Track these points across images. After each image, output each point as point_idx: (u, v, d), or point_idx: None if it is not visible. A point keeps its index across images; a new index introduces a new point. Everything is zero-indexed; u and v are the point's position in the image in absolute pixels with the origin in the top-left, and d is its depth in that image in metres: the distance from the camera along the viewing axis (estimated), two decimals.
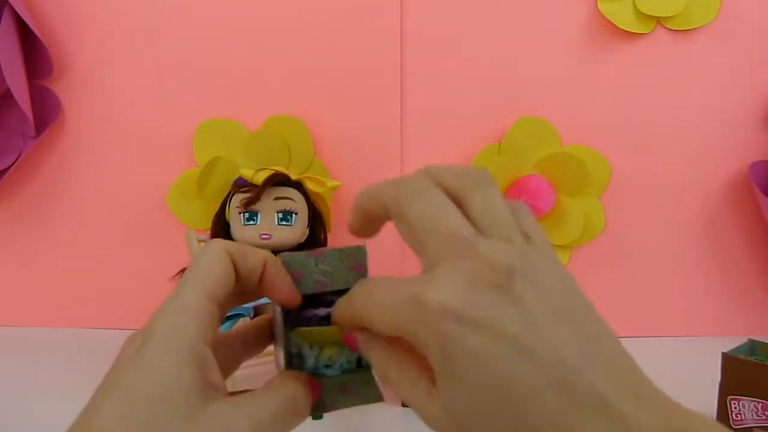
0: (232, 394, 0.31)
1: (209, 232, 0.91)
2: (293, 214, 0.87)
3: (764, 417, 0.69)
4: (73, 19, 1.00)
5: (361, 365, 0.36)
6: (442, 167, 0.31)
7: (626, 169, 1.00)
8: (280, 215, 0.87)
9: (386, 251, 0.79)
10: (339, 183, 0.97)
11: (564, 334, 0.27)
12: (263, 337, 0.37)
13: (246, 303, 0.36)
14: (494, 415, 0.26)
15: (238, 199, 0.88)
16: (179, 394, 0.28)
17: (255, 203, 0.86)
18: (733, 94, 1.00)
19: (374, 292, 0.31)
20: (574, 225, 0.98)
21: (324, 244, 0.92)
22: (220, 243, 0.33)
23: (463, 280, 0.27)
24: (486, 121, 0.99)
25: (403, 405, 0.78)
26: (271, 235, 0.86)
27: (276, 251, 0.90)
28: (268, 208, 0.87)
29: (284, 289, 0.34)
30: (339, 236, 0.96)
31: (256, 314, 0.79)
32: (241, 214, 0.87)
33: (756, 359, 0.68)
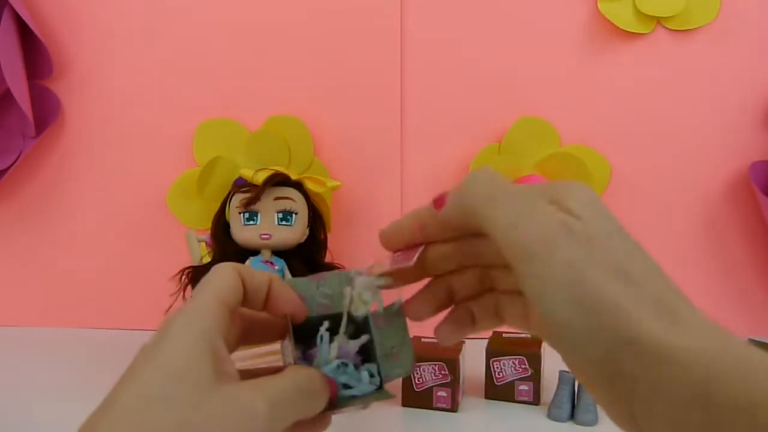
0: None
1: (209, 232, 0.91)
2: (293, 214, 0.87)
3: None
4: (73, 19, 1.00)
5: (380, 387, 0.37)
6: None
7: (626, 169, 1.00)
8: (280, 215, 0.87)
9: None
10: (339, 183, 0.97)
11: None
12: (270, 333, 0.38)
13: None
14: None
15: (238, 199, 0.88)
16: (195, 375, 0.30)
17: (255, 203, 0.86)
18: (733, 94, 1.00)
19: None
20: None
21: (324, 244, 0.92)
22: (227, 263, 0.35)
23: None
24: (486, 121, 0.99)
25: (404, 405, 0.78)
26: (271, 235, 0.86)
27: (276, 251, 0.90)
28: (268, 208, 0.87)
29: (290, 303, 0.36)
30: (339, 236, 0.96)
31: None
32: (241, 214, 0.87)
33: None
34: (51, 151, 1.03)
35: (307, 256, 0.89)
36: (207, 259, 0.89)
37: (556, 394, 0.77)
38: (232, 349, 0.34)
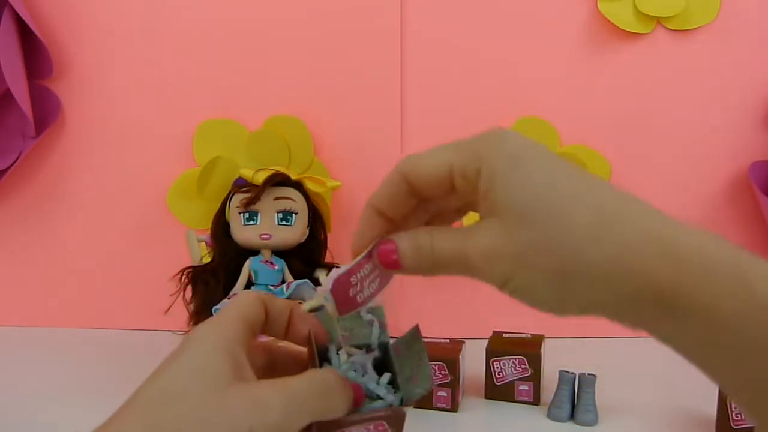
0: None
1: (209, 232, 0.91)
2: (293, 214, 0.87)
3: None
4: (73, 19, 1.00)
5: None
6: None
7: (626, 169, 1.00)
8: (280, 215, 0.87)
9: None
10: (339, 183, 0.97)
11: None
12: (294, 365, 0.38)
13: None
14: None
15: (238, 199, 0.88)
16: (213, 373, 0.31)
17: (255, 203, 0.86)
18: (733, 94, 0.99)
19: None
20: None
21: (324, 244, 0.92)
22: (251, 291, 0.37)
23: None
24: (486, 121, 0.99)
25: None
26: (271, 235, 0.86)
27: (276, 251, 0.90)
28: (268, 208, 0.87)
29: (310, 326, 0.37)
30: (339, 236, 0.96)
31: None
32: (241, 214, 0.87)
33: None
34: (51, 151, 1.03)
35: (307, 256, 0.89)
36: (207, 259, 0.89)
37: (556, 394, 0.77)
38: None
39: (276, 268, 0.86)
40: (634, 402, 0.81)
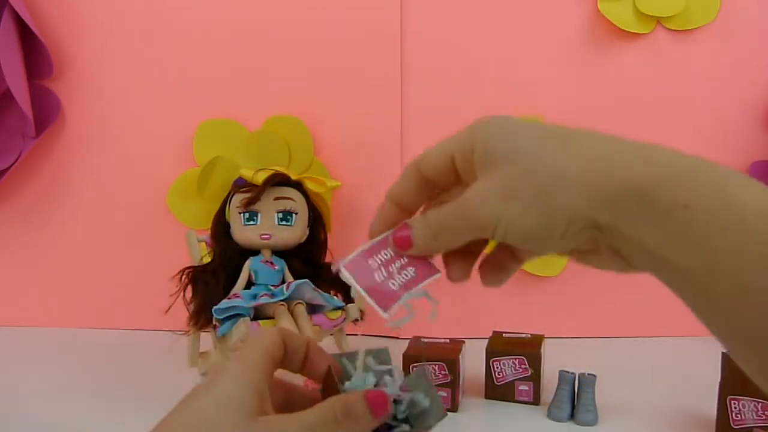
0: None
1: (209, 232, 0.91)
2: (293, 214, 0.87)
3: (764, 417, 0.69)
4: (73, 19, 1.00)
5: None
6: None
7: None
8: (280, 215, 0.87)
9: None
10: (339, 183, 0.97)
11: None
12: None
13: None
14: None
15: (238, 199, 0.88)
16: (241, 406, 0.33)
17: (255, 203, 0.86)
18: (733, 94, 1.00)
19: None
20: None
21: (324, 244, 0.92)
22: (273, 327, 0.38)
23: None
24: None
25: None
26: (271, 235, 0.86)
27: (276, 251, 0.90)
28: (268, 208, 0.87)
29: (326, 361, 0.38)
30: (339, 236, 0.96)
31: (256, 313, 0.79)
32: (241, 214, 0.87)
33: None
34: (51, 151, 1.03)
35: (307, 256, 0.89)
36: (207, 259, 0.89)
37: (556, 394, 0.77)
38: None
39: (276, 268, 0.86)
40: (634, 402, 0.81)
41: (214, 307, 0.78)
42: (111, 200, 1.03)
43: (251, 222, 0.87)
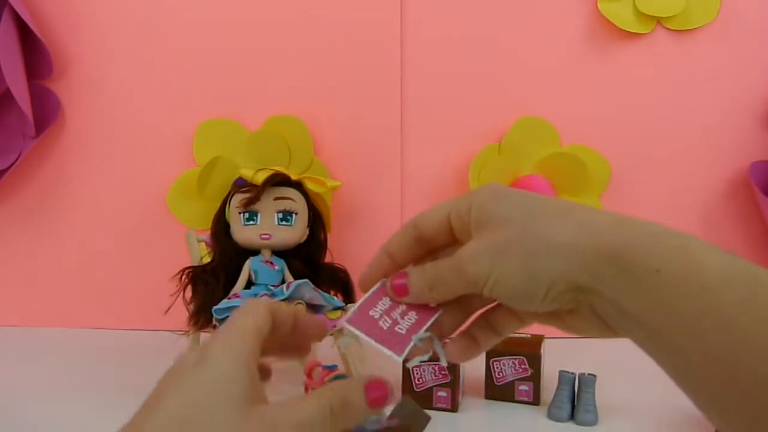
0: None
1: (209, 232, 0.91)
2: (293, 214, 0.87)
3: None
4: (73, 19, 1.00)
5: None
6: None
7: (626, 169, 1.00)
8: (280, 215, 0.87)
9: None
10: (339, 183, 0.97)
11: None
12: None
13: (286, 358, 0.40)
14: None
15: (238, 199, 0.88)
16: (237, 394, 0.32)
17: (255, 203, 0.86)
18: (733, 94, 1.00)
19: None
20: None
21: (324, 244, 0.92)
22: (260, 300, 0.38)
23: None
24: (486, 121, 0.99)
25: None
26: (271, 235, 0.86)
27: (276, 251, 0.90)
28: (268, 208, 0.87)
29: (315, 327, 0.39)
30: (339, 236, 0.96)
31: None
32: (241, 214, 0.87)
33: None
34: (51, 151, 1.03)
35: (307, 256, 0.89)
36: (207, 259, 0.89)
37: (556, 394, 0.77)
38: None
39: (276, 268, 0.86)
40: (634, 402, 0.81)
41: (214, 307, 0.78)
42: (111, 200, 1.03)
43: (251, 222, 0.87)
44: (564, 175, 0.97)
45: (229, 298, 0.80)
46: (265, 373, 0.38)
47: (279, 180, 0.88)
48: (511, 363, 0.80)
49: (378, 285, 0.40)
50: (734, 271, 0.32)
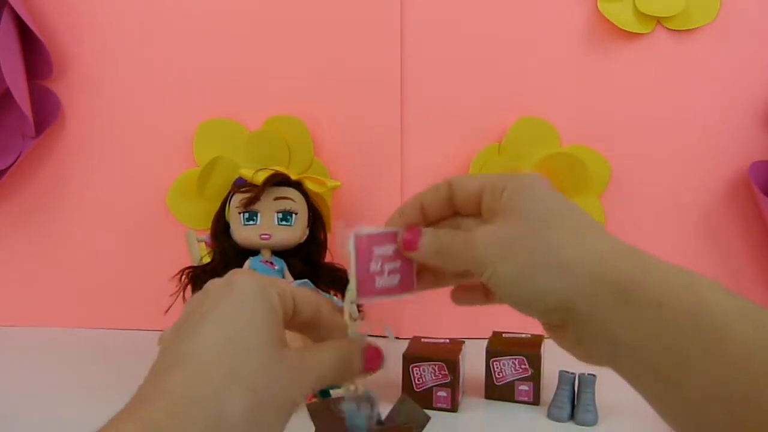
0: None
1: (209, 232, 0.91)
2: (293, 214, 0.87)
3: None
4: (73, 19, 1.00)
5: None
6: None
7: (626, 169, 1.00)
8: (280, 215, 0.87)
9: None
10: (339, 183, 0.97)
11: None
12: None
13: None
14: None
15: (238, 199, 0.88)
16: (270, 332, 0.34)
17: (255, 203, 0.86)
18: (733, 94, 0.99)
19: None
20: None
21: (324, 244, 0.92)
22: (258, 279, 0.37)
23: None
24: (486, 121, 0.99)
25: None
26: (270, 235, 0.86)
27: (276, 251, 0.90)
28: (268, 208, 0.87)
29: (335, 329, 0.40)
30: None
31: None
32: (241, 214, 0.87)
33: None
34: (51, 151, 1.03)
35: (306, 256, 0.89)
36: (207, 259, 0.89)
37: (556, 394, 0.77)
38: None
39: (276, 268, 0.86)
40: (634, 402, 0.80)
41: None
42: (111, 200, 1.03)
43: (251, 222, 0.87)
44: (564, 175, 0.97)
45: None
46: None
47: (279, 180, 0.88)
48: (511, 363, 0.80)
49: (395, 229, 0.41)
50: (743, 311, 0.32)
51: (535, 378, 0.79)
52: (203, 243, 0.92)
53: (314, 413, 0.41)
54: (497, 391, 0.80)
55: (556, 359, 0.82)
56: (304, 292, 0.38)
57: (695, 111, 1.00)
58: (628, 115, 1.00)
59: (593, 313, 0.34)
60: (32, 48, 0.97)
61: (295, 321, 0.38)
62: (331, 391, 0.42)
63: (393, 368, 0.82)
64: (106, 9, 1.00)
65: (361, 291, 0.39)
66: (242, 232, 0.87)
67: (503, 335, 0.84)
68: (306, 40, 0.99)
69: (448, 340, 0.82)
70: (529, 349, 0.80)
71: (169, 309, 0.83)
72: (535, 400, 0.80)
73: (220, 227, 0.90)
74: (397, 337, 1.01)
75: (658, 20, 0.97)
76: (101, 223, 1.03)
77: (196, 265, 0.88)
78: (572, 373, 0.77)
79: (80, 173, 1.03)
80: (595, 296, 0.34)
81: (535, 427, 0.76)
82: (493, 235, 0.37)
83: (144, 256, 1.03)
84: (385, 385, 0.81)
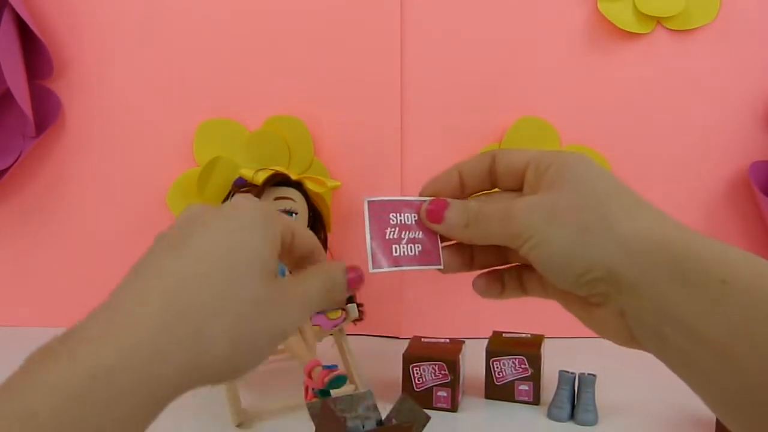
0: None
1: None
2: (293, 214, 0.87)
3: None
4: (73, 19, 1.00)
5: None
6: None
7: (626, 169, 1.00)
8: None
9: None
10: (339, 183, 0.97)
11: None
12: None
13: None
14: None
15: None
16: (266, 264, 0.33)
17: None
18: (733, 94, 0.99)
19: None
20: None
21: (324, 244, 0.92)
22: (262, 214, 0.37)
23: None
24: (486, 121, 0.99)
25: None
26: None
27: None
28: None
29: (310, 245, 0.39)
30: (339, 236, 0.96)
31: None
32: None
33: None
34: (51, 151, 1.03)
35: None
36: None
37: (556, 394, 0.77)
38: None
39: None
40: (634, 402, 0.81)
41: None
42: (111, 200, 1.03)
43: None
44: None
45: None
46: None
47: (279, 180, 0.88)
48: (511, 363, 0.80)
49: (417, 199, 0.39)
50: None
51: (535, 378, 0.79)
52: None
53: (314, 413, 0.41)
54: (497, 391, 0.80)
55: (556, 359, 0.82)
56: (304, 229, 0.38)
57: (695, 111, 1.00)
58: (628, 115, 1.00)
59: (644, 287, 0.33)
60: (32, 48, 0.97)
61: (290, 256, 0.38)
62: (332, 391, 0.42)
63: (393, 368, 0.82)
64: (106, 9, 1.00)
65: (375, 260, 0.37)
66: None
67: (503, 335, 0.84)
68: (306, 40, 0.99)
69: (448, 340, 0.82)
70: (529, 349, 0.80)
71: None
72: (535, 400, 0.80)
73: None
74: (397, 337, 1.01)
75: (658, 20, 0.97)
76: (101, 223, 1.03)
77: None
78: (572, 373, 0.77)
79: (80, 173, 1.03)
80: (649, 270, 0.33)
81: (535, 427, 0.76)
82: (537, 203, 0.35)
83: None
84: (385, 385, 0.81)
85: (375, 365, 0.88)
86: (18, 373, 0.28)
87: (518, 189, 0.38)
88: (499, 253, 0.40)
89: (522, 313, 1.01)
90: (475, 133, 0.99)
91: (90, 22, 1.00)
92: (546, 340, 0.83)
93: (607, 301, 0.35)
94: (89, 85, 1.01)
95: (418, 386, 0.78)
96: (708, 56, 0.99)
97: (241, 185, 0.89)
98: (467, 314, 1.00)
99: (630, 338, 0.35)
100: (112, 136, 1.02)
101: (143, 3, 0.99)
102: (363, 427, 0.41)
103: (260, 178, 0.87)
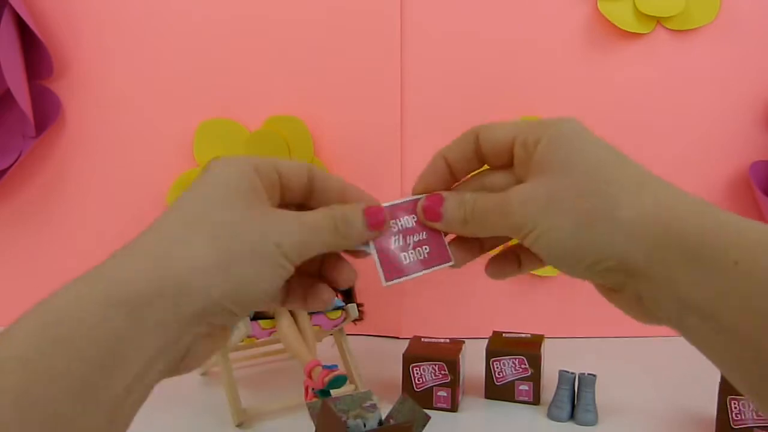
0: None
1: None
2: None
3: (764, 417, 0.69)
4: (73, 18, 1.00)
5: None
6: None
7: None
8: None
9: None
10: None
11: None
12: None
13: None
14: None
15: None
16: (240, 188, 0.33)
17: None
18: (733, 94, 0.99)
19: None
20: None
21: None
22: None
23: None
24: (486, 121, 0.99)
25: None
26: None
27: None
28: None
29: (336, 190, 0.37)
30: None
31: (256, 313, 0.79)
32: None
33: None
34: (51, 151, 1.03)
35: None
36: None
37: (556, 394, 0.77)
38: None
39: None
40: (634, 402, 0.81)
41: None
42: (111, 200, 1.03)
43: None
44: None
45: None
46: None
47: None
48: (511, 363, 0.80)
49: (412, 198, 0.38)
50: None
51: (535, 378, 0.79)
52: None
53: (314, 413, 0.41)
54: (497, 391, 0.80)
55: (556, 359, 0.82)
56: (290, 162, 0.36)
57: (695, 111, 1.00)
58: (628, 115, 1.00)
59: (656, 273, 0.31)
60: (32, 48, 0.97)
61: (289, 195, 0.36)
62: (331, 391, 0.42)
63: (393, 368, 0.82)
64: (106, 9, 1.00)
65: (386, 273, 0.35)
66: None
67: (503, 335, 0.84)
68: (306, 41, 0.99)
69: (448, 340, 0.82)
70: (529, 349, 0.80)
71: None
72: (535, 400, 0.80)
73: None
74: (397, 337, 1.01)
75: (658, 20, 0.97)
76: (101, 223, 1.03)
77: None
78: (572, 373, 0.77)
79: (80, 173, 1.03)
80: (659, 255, 0.31)
81: (535, 427, 0.76)
82: (532, 193, 0.33)
83: None
84: (385, 385, 0.81)
85: (375, 365, 0.88)
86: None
87: (509, 165, 0.37)
88: None
89: (522, 313, 1.01)
90: None
91: (90, 22, 1.00)
92: (546, 340, 0.83)
93: (623, 287, 0.33)
94: (89, 85, 1.01)
95: (418, 386, 0.78)
96: (708, 56, 0.99)
97: None
98: (467, 314, 1.00)
99: (655, 319, 0.34)
100: (112, 135, 1.02)
101: (143, 3, 0.99)
102: (364, 426, 0.41)
103: None
